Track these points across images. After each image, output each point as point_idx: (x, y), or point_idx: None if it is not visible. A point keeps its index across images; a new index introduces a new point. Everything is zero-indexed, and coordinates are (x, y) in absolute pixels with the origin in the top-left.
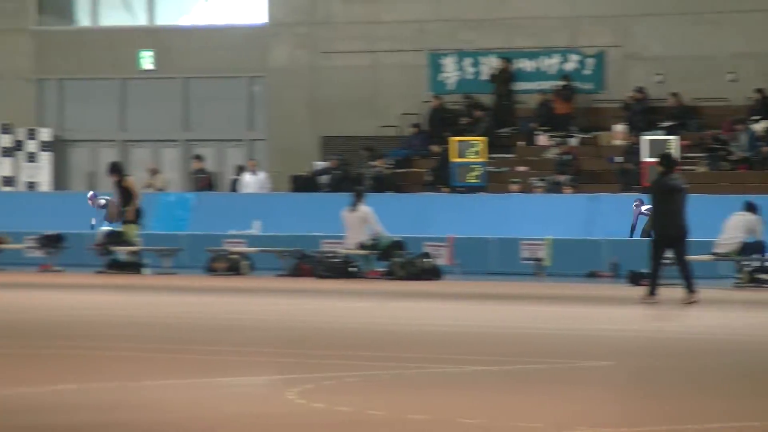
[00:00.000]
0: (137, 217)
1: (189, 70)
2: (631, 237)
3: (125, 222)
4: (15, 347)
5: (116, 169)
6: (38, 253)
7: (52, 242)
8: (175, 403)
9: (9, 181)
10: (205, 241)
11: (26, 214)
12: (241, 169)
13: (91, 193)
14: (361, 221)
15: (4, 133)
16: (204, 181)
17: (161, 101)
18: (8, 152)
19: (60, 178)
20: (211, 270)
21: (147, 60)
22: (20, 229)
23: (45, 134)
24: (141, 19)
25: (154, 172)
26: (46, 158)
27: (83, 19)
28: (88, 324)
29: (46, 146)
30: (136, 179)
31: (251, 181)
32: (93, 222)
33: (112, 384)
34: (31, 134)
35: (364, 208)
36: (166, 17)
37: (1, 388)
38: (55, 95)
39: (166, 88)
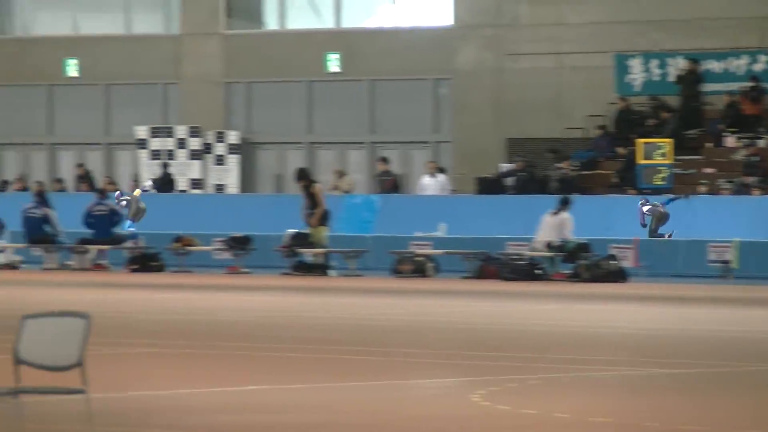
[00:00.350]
0: (325, 220)
1: (375, 72)
2: (650, 237)
3: (311, 226)
4: (205, 348)
5: (304, 175)
6: (226, 255)
7: (239, 244)
8: (357, 405)
9: (198, 183)
10: (391, 243)
11: (214, 216)
12: (440, 171)
13: (117, 192)
14: (558, 226)
15: (193, 136)
16: (390, 183)
17: (347, 103)
18: (197, 155)
19: (247, 181)
20: (396, 272)
21: (334, 62)
22: (208, 231)
23: (233, 137)
24: (328, 22)
25: (341, 174)
26: (234, 161)
27: (271, 23)
28: (274, 326)
29: (234, 149)
30: (323, 184)
31: (430, 184)
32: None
33: (295, 386)
34: (220, 137)
35: (565, 215)
36: (352, 19)
37: (196, 387)
38: (243, 98)
39: (353, 90)
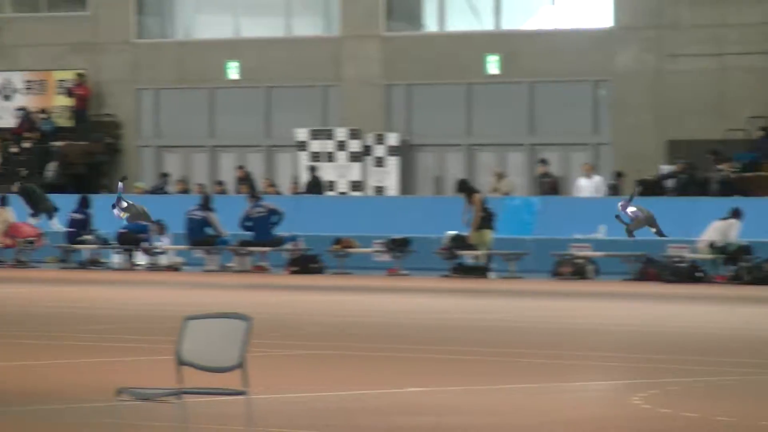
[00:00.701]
0: (489, 223)
1: (534, 74)
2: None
3: (474, 229)
4: (365, 350)
5: (464, 188)
6: (385, 257)
7: (399, 246)
8: (518, 407)
9: (357, 185)
10: (551, 246)
11: (374, 218)
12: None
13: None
14: (724, 229)
15: (352, 138)
16: (549, 185)
17: (507, 105)
18: (357, 157)
19: (407, 183)
20: (556, 274)
21: (493, 64)
22: (368, 233)
23: (392, 139)
24: (487, 24)
25: (500, 176)
26: (393, 163)
27: (431, 25)
28: (434, 328)
29: (393, 151)
30: (482, 192)
31: (586, 185)
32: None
33: (456, 388)
34: (379, 139)
35: (733, 221)
36: (512, 21)
37: (356, 388)
38: (403, 100)
39: (512, 92)
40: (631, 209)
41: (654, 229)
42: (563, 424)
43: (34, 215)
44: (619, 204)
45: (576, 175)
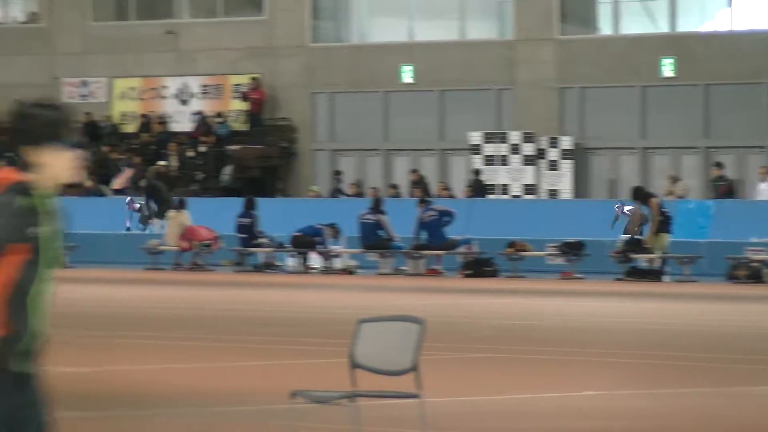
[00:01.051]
0: (666, 227)
1: (710, 77)
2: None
3: (652, 233)
4: (538, 353)
5: (639, 195)
6: (559, 261)
7: (573, 249)
8: (697, 411)
9: (531, 189)
10: (726, 249)
11: (547, 221)
12: None
13: (129, 198)
14: None
15: (526, 141)
16: (724, 188)
17: (681, 108)
18: (530, 160)
19: (580, 186)
20: (731, 277)
21: (668, 67)
22: (541, 237)
23: (566, 142)
24: (662, 26)
25: (675, 179)
26: (567, 166)
27: (605, 28)
28: (606, 331)
29: (567, 154)
30: (658, 197)
31: (765, 189)
32: (128, 224)
33: (630, 391)
34: (553, 142)
35: None
36: (687, 23)
37: (530, 392)
38: (577, 103)
39: (687, 95)
40: (627, 208)
41: (639, 231)
42: (756, 430)
43: (158, 215)
44: (616, 206)
45: (752, 178)
